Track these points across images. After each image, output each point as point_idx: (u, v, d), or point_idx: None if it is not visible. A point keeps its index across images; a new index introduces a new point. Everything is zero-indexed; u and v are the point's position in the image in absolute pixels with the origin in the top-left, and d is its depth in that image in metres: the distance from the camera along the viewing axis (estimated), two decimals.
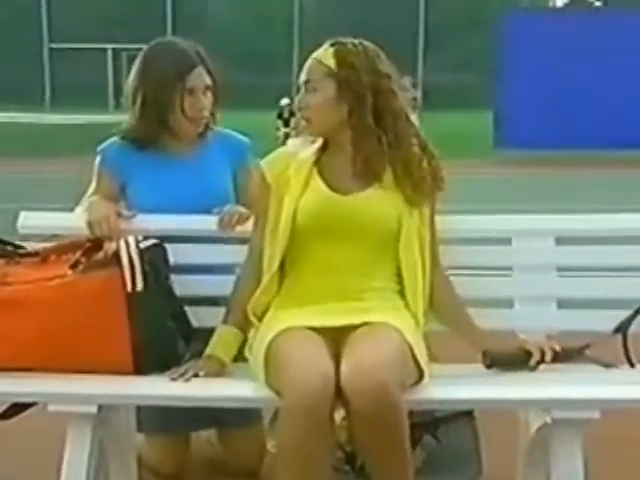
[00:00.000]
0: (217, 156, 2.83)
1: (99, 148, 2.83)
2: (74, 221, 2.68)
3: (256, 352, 2.32)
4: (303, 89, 2.45)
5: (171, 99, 2.69)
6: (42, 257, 2.53)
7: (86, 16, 25.12)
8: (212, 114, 2.80)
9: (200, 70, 2.73)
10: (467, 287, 2.59)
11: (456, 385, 2.30)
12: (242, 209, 2.69)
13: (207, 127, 2.81)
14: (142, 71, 2.73)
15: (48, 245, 2.60)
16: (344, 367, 2.09)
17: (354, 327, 2.26)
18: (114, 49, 24.34)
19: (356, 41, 2.44)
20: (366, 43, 2.45)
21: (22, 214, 2.74)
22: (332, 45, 2.43)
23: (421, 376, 2.25)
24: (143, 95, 2.71)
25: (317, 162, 2.46)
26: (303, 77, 2.45)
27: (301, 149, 2.50)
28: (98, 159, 2.82)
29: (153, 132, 2.74)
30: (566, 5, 27.66)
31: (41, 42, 25.24)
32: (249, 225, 2.61)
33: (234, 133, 2.91)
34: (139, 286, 2.38)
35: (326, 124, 2.43)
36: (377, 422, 2.04)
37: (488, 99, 17.96)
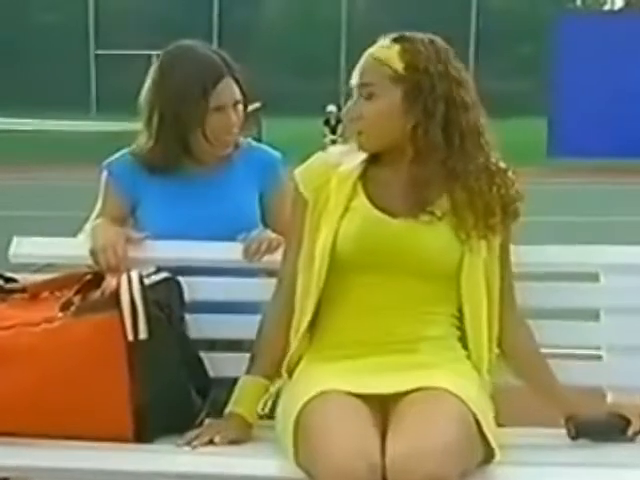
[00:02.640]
0: (243, 173, 2.39)
1: (106, 162, 2.40)
2: (76, 249, 2.25)
3: (284, 418, 1.87)
4: (356, 94, 1.98)
5: (194, 119, 2.25)
6: (31, 294, 2.12)
7: (132, 22, 25.01)
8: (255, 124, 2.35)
9: (228, 82, 2.28)
10: (544, 333, 2.11)
11: (534, 465, 1.84)
12: (272, 235, 2.25)
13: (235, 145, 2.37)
14: (158, 84, 2.30)
15: (44, 278, 2.20)
16: (390, 452, 1.65)
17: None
18: (159, 55, 24.13)
19: (425, 37, 1.96)
20: (437, 40, 1.97)
21: (15, 240, 2.33)
22: (396, 41, 1.95)
23: (490, 453, 1.79)
24: (160, 113, 2.28)
25: (363, 176, 2.01)
26: (357, 79, 1.97)
27: (345, 158, 2.04)
28: (104, 175, 2.40)
29: (174, 158, 2.32)
30: (621, 9, 26.92)
31: (87, 48, 25.16)
32: (280, 254, 2.16)
33: (263, 146, 2.47)
34: (142, 333, 1.94)
35: (384, 139, 1.96)
36: None
37: (541, 105, 17.44)
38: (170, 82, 2.27)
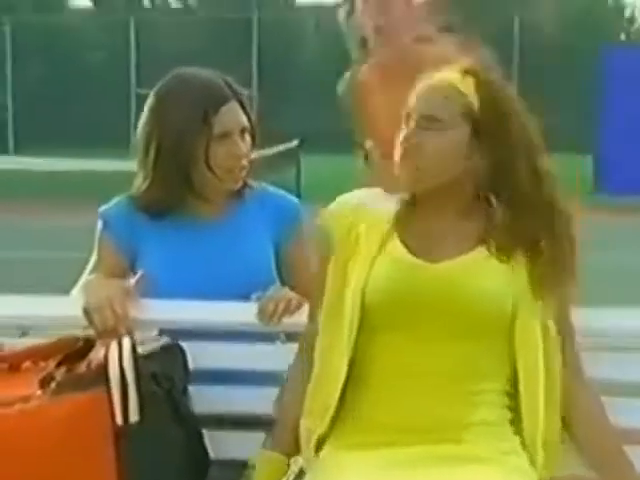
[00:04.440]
0: (257, 219, 2.12)
1: (101, 209, 2.14)
2: (68, 308, 1.97)
3: None
4: (414, 123, 1.69)
5: (196, 148, 2.00)
6: (11, 364, 1.84)
7: (172, 62, 25.18)
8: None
9: (233, 106, 2.03)
10: (609, 412, 1.78)
11: None
12: (291, 294, 1.96)
13: (245, 183, 2.10)
14: (155, 113, 2.05)
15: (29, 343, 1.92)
16: None
17: None
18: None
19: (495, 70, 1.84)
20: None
21: None
22: (467, 72, 1.73)
23: None
24: (157, 145, 2.02)
25: (397, 222, 1.74)
26: (421, 110, 1.70)
27: (370, 200, 1.79)
28: (99, 225, 2.13)
29: (176, 197, 2.05)
30: None
31: (129, 87, 25.35)
32: (302, 316, 1.88)
33: (281, 192, 2.19)
34: (133, 415, 1.66)
35: (442, 177, 1.70)
36: None
37: (585, 140, 17.07)
38: (168, 110, 2.02)
